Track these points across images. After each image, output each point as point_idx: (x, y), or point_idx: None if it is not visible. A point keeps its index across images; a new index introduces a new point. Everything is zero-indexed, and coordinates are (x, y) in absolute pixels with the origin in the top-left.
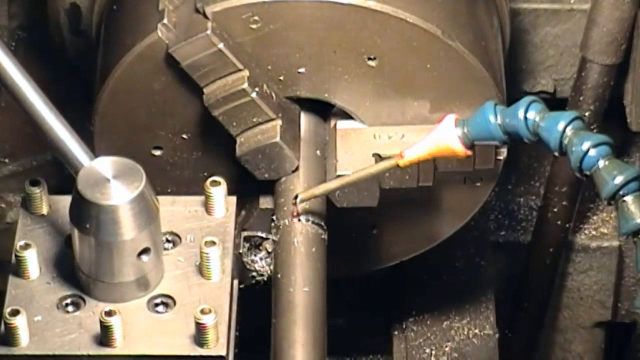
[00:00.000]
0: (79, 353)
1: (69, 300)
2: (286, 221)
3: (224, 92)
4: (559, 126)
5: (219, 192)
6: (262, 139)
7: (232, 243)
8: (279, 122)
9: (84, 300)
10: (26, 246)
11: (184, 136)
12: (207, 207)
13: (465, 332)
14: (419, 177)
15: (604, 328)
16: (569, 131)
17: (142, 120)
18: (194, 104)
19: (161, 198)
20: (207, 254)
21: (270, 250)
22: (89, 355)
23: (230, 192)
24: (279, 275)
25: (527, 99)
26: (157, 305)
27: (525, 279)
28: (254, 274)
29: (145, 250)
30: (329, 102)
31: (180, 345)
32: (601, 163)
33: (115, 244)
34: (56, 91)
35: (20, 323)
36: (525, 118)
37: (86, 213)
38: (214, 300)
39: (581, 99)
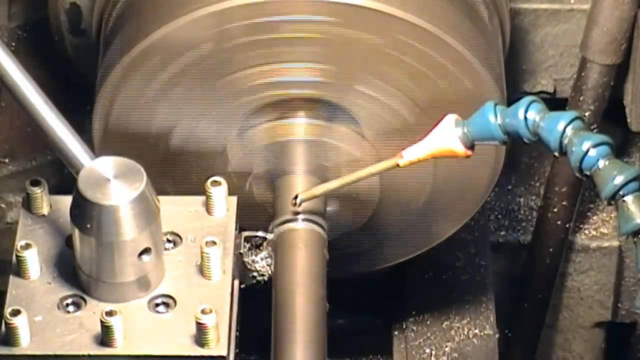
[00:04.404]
0: (79, 353)
1: (69, 300)
2: (286, 221)
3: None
4: (559, 126)
5: (219, 192)
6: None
7: (232, 243)
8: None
9: (85, 300)
10: (27, 246)
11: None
12: (207, 207)
13: (465, 332)
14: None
15: (604, 328)
16: (569, 131)
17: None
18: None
19: (162, 198)
20: (207, 254)
21: (270, 250)
22: (89, 356)
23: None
24: (278, 275)
25: (527, 99)
26: (157, 305)
27: (525, 279)
28: (255, 274)
29: (146, 250)
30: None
31: (181, 345)
32: (601, 163)
33: (116, 244)
34: (56, 91)
35: (20, 323)
36: (525, 118)
37: (87, 213)
38: (214, 300)
39: (581, 99)
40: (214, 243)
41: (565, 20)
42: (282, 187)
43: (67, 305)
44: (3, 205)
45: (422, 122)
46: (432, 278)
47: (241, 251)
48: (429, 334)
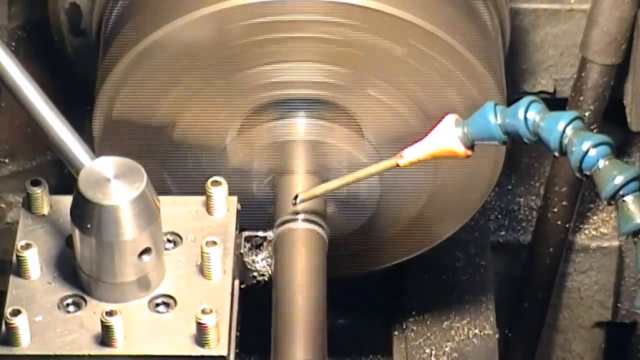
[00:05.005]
0: (80, 353)
1: (70, 300)
2: (286, 221)
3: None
4: (559, 126)
5: (219, 192)
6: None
7: (233, 243)
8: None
9: (85, 301)
10: (27, 246)
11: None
12: (207, 207)
13: (465, 332)
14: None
15: (604, 328)
16: (569, 131)
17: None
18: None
19: (162, 198)
20: (208, 254)
21: (271, 250)
22: (90, 356)
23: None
24: (278, 275)
25: (527, 99)
26: (158, 305)
27: (525, 279)
28: (255, 274)
29: (146, 250)
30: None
31: (181, 345)
32: (601, 163)
33: (117, 244)
34: (56, 91)
35: (21, 323)
36: (525, 118)
37: (87, 213)
38: (215, 300)
39: (581, 99)
40: (215, 243)
41: (565, 20)
42: (282, 187)
43: (68, 305)
44: (3, 205)
45: (421, 121)
46: (432, 278)
47: (241, 251)
48: (429, 334)
